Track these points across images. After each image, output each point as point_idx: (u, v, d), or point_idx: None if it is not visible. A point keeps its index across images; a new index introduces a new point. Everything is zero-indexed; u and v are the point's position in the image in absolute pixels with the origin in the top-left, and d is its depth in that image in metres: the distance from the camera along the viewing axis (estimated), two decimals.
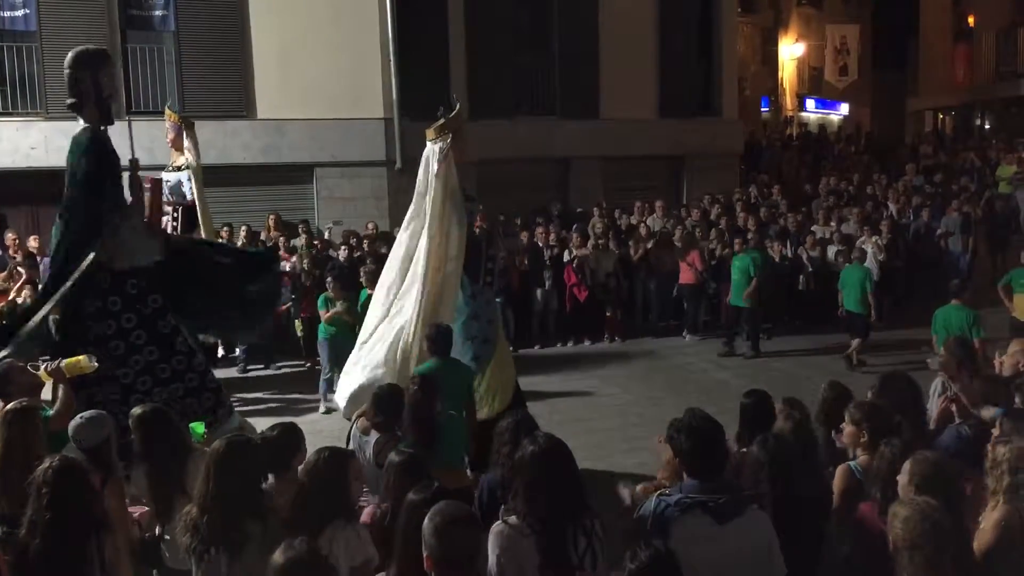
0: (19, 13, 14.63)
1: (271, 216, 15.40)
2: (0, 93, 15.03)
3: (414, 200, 8.38)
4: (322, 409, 11.13)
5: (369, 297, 11.72)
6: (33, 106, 14.94)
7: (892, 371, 5.74)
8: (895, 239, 15.73)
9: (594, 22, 18.27)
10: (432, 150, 8.15)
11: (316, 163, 16.18)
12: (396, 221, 15.91)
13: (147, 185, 7.99)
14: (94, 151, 7.27)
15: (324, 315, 11.52)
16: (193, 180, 11.03)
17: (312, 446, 4.77)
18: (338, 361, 10.98)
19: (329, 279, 11.86)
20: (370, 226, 15.54)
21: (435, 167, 8.06)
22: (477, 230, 9.01)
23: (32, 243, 13.43)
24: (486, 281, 8.52)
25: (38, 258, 12.55)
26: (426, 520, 3.34)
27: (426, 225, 8.08)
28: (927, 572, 3.53)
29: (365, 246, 14.40)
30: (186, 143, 11.40)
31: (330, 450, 4.40)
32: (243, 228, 14.61)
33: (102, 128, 7.42)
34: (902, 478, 4.10)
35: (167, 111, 11.90)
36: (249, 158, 15.73)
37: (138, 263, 7.47)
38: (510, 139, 16.97)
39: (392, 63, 15.92)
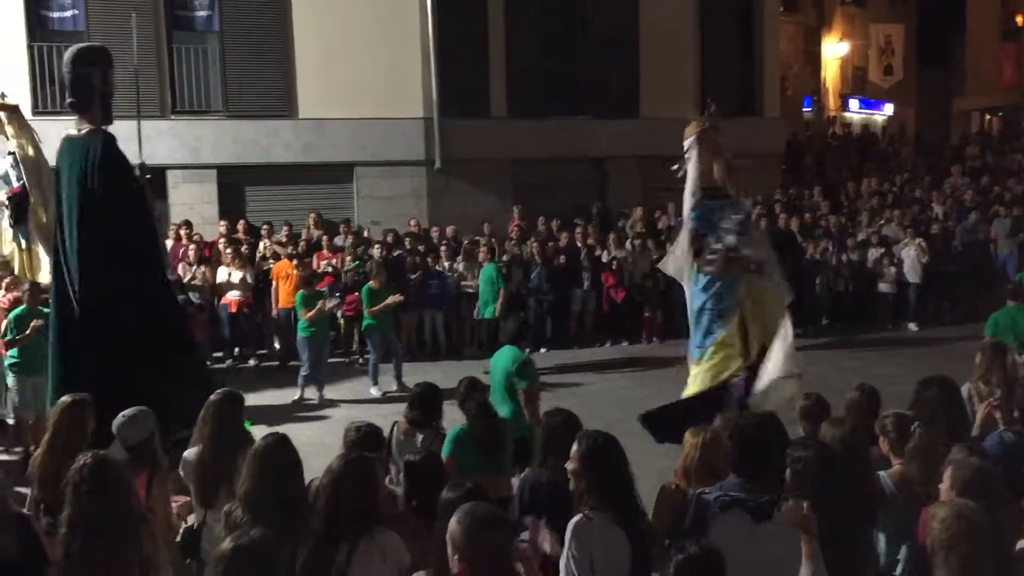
0: (68, 14, 14.89)
1: (311, 215, 15.54)
2: (50, 93, 15.29)
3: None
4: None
5: (370, 292, 11.76)
6: None
7: (929, 376, 5.65)
8: (942, 242, 15.49)
9: (634, 21, 18.17)
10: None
11: (356, 162, 16.30)
12: (435, 220, 16.09)
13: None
14: (111, 157, 7.18)
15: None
16: (21, 166, 10.57)
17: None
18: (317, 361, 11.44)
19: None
20: (412, 223, 15.63)
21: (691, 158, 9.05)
22: None
23: None
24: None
25: None
26: (453, 522, 3.27)
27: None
28: (963, 573, 3.46)
29: (407, 244, 14.47)
30: (8, 129, 10.82)
31: (358, 457, 4.21)
32: (284, 226, 14.77)
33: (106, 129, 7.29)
34: (944, 484, 4.03)
35: None
36: (290, 157, 15.90)
37: None
38: (549, 138, 16.95)
39: (432, 62, 16.00)
